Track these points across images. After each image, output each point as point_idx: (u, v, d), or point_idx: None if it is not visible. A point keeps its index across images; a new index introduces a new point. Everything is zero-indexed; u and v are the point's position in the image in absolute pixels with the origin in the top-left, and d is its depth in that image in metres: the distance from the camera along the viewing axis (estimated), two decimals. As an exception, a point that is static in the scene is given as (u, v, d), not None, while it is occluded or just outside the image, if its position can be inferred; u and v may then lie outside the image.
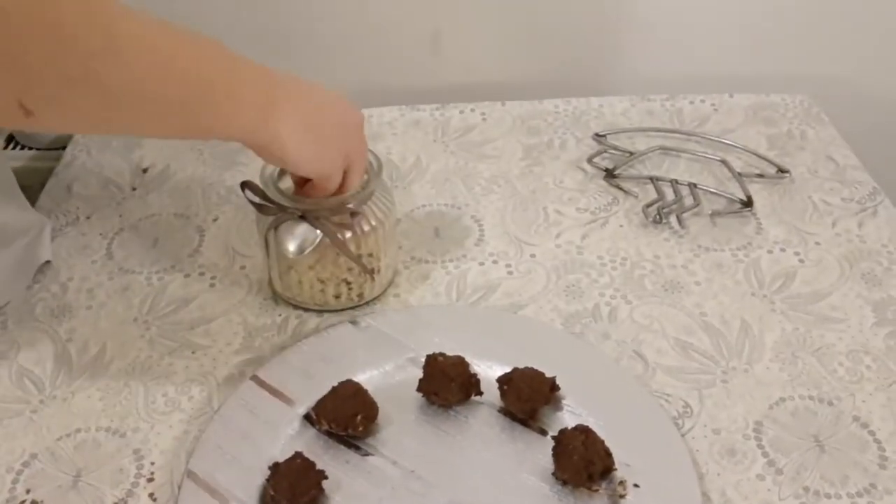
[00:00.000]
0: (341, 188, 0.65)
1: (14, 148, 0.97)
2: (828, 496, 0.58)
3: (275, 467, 0.55)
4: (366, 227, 0.67)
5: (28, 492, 0.57)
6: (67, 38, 0.43)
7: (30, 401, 0.63)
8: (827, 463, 0.60)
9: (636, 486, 0.57)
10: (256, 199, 0.66)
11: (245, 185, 0.66)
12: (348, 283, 0.69)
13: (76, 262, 0.75)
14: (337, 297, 0.70)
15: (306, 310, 0.71)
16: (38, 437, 0.61)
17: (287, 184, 0.68)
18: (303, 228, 0.65)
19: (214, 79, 0.52)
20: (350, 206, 0.65)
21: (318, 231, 0.65)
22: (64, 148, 0.90)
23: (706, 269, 0.75)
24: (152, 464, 0.59)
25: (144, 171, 0.86)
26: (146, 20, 0.48)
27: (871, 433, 0.61)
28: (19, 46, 0.41)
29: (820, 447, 0.61)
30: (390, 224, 0.70)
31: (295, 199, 0.65)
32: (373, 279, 0.70)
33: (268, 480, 0.55)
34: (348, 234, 0.67)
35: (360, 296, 0.70)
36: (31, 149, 0.96)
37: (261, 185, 0.65)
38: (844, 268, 0.75)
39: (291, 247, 0.65)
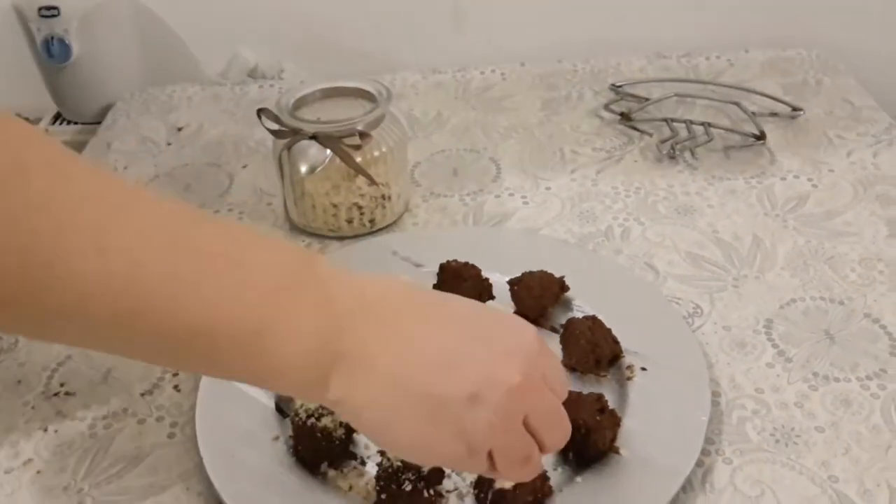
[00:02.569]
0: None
1: (61, 123, 1.02)
2: (836, 380, 0.58)
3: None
4: (376, 153, 0.70)
5: (62, 385, 0.60)
6: None
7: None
8: (837, 352, 0.60)
9: (644, 369, 0.58)
10: (273, 126, 0.69)
11: (261, 111, 0.69)
12: (360, 208, 0.72)
13: (113, 204, 0.79)
14: (349, 221, 0.72)
15: (327, 237, 0.73)
16: (73, 342, 0.64)
17: (305, 114, 0.71)
18: (314, 149, 0.68)
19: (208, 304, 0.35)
20: (359, 127, 0.68)
21: (328, 151, 0.68)
22: (106, 119, 0.95)
23: (719, 194, 0.76)
24: (178, 362, 0.62)
25: (179, 129, 0.91)
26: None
27: (883, 327, 0.62)
28: None
29: (830, 339, 0.61)
30: (401, 153, 0.73)
31: (308, 122, 0.68)
32: (384, 205, 0.72)
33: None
34: (358, 159, 0.69)
35: (372, 221, 0.73)
36: (76, 123, 1.02)
37: (275, 112, 0.69)
38: (858, 190, 0.76)
39: (303, 167, 0.68)
